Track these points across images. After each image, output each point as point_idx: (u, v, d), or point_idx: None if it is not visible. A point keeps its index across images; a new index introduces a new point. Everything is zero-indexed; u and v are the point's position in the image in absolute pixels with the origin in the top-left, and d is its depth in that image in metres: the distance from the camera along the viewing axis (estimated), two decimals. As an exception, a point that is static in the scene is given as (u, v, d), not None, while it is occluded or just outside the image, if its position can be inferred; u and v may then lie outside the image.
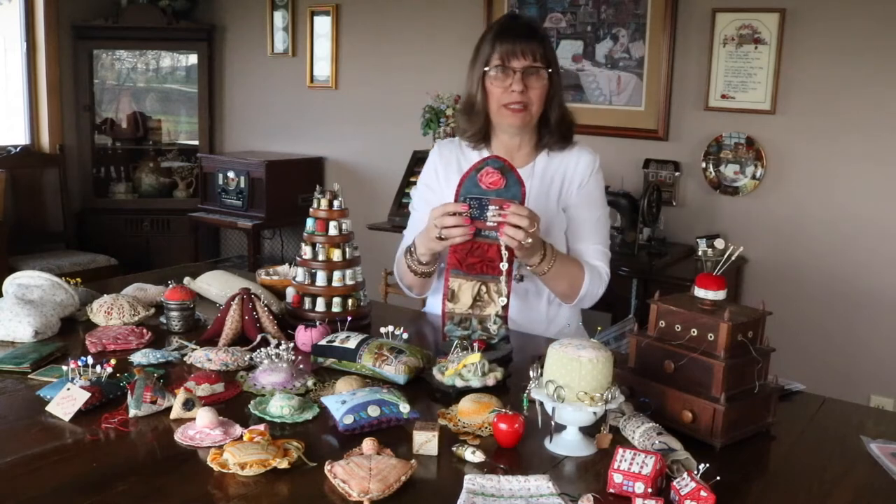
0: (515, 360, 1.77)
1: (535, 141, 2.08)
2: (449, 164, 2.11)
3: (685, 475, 1.18)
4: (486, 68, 1.96)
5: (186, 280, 2.16)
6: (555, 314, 2.10)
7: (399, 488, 1.20)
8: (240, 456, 1.24)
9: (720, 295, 1.46)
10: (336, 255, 1.95)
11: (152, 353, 1.73)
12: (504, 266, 1.77)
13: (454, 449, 1.33)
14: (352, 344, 1.69)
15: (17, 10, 4.94)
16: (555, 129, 2.04)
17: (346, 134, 4.90)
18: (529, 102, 1.95)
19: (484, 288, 1.81)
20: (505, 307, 1.80)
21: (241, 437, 1.33)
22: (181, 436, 1.37)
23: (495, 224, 1.76)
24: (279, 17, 5.01)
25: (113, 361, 1.57)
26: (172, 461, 1.30)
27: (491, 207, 1.76)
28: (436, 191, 2.12)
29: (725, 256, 1.48)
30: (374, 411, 1.40)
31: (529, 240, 1.74)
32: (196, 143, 5.39)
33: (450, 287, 1.83)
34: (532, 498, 1.18)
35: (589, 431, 1.39)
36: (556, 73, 2.00)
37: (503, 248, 1.77)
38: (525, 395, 1.44)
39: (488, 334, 1.77)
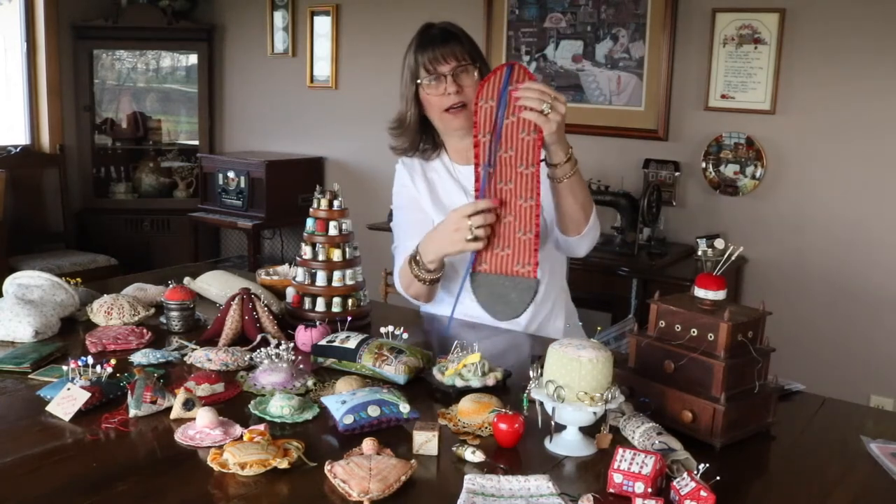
0: (515, 361, 1.77)
1: None
2: (414, 170, 2.13)
3: (685, 475, 1.18)
4: (419, 81, 1.98)
5: (186, 280, 2.16)
6: (552, 302, 2.10)
7: (399, 488, 1.20)
8: (240, 456, 1.24)
9: (720, 295, 1.46)
10: (336, 255, 1.95)
11: (152, 353, 1.73)
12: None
13: (454, 449, 1.33)
14: (352, 344, 1.69)
15: (17, 10, 4.94)
16: None
17: (346, 134, 4.90)
18: (467, 100, 1.95)
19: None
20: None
21: (241, 437, 1.33)
22: (181, 436, 1.37)
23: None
24: (279, 17, 5.01)
25: (113, 361, 1.57)
26: (172, 461, 1.30)
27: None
28: (412, 190, 2.12)
29: (725, 256, 1.48)
30: (374, 411, 1.40)
31: (545, 106, 1.64)
32: (196, 143, 5.39)
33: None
34: (532, 498, 1.18)
35: (589, 431, 1.39)
36: (484, 66, 2.01)
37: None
38: (525, 395, 1.45)
39: None
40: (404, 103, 2.05)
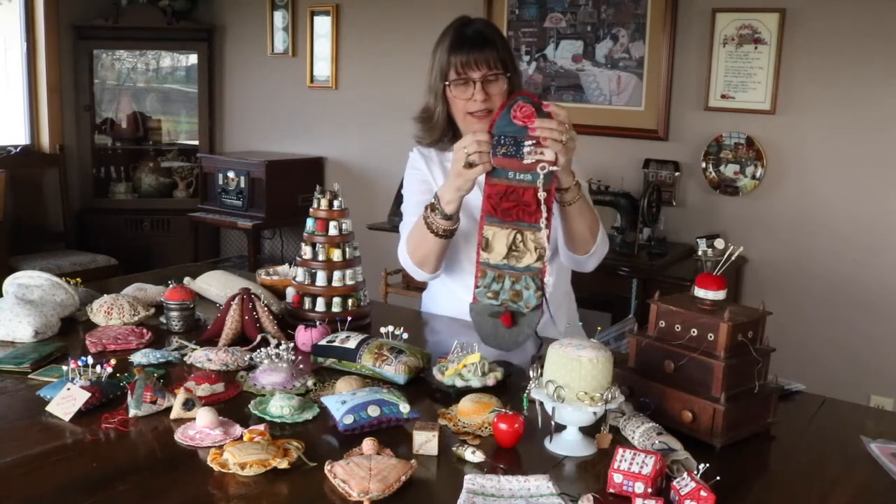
0: (515, 361, 1.76)
1: None
2: (430, 159, 2.11)
3: (685, 475, 1.18)
4: (446, 82, 1.96)
5: (186, 280, 2.16)
6: (554, 310, 2.09)
7: (399, 488, 1.20)
8: (240, 456, 1.24)
9: (720, 295, 1.46)
10: (336, 255, 1.95)
11: (152, 353, 1.73)
12: (544, 209, 1.68)
13: (454, 449, 1.33)
14: (352, 344, 1.69)
15: (17, 10, 4.94)
16: None
17: (346, 134, 4.90)
18: (493, 107, 1.93)
19: (520, 236, 1.72)
20: (542, 260, 1.71)
21: (241, 437, 1.33)
22: (181, 436, 1.37)
23: (533, 161, 1.66)
24: (279, 17, 5.01)
25: (113, 361, 1.57)
26: (172, 461, 1.30)
27: (526, 143, 1.66)
28: (425, 172, 2.11)
29: (725, 256, 1.48)
30: (374, 411, 1.40)
31: (564, 137, 1.66)
32: (196, 143, 5.39)
33: (484, 236, 1.74)
34: (532, 498, 1.18)
35: (589, 431, 1.39)
36: (514, 72, 1.98)
37: (541, 191, 1.68)
38: (525, 395, 1.45)
39: (517, 305, 1.73)
40: (432, 98, 2.02)
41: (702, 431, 1.39)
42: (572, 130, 1.70)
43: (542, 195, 1.68)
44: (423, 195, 2.05)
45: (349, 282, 1.96)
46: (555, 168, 1.67)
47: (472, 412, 1.45)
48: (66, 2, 5.01)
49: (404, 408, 1.42)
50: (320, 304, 1.95)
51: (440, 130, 2.05)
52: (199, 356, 1.71)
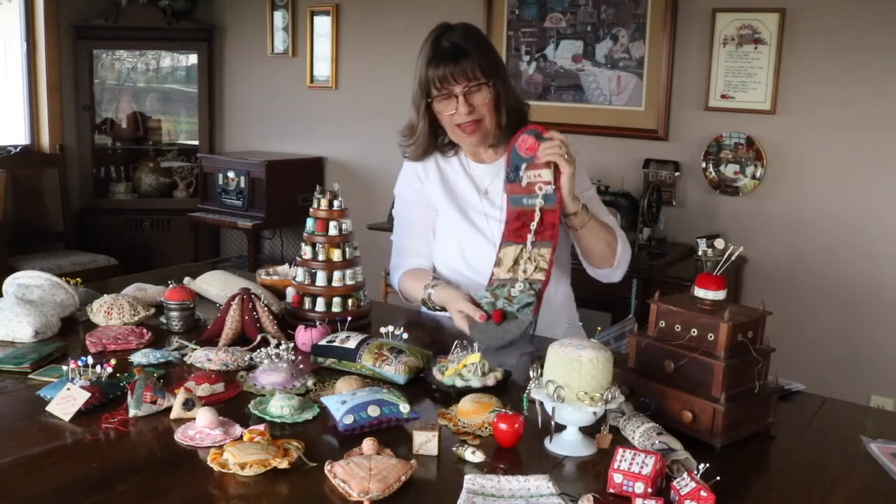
0: (515, 361, 1.76)
1: (499, 137, 2.06)
2: (427, 166, 2.12)
3: (685, 475, 1.18)
4: (428, 98, 1.95)
5: (186, 280, 2.16)
6: (555, 314, 2.10)
7: (399, 488, 1.20)
8: (240, 456, 1.24)
9: (720, 295, 1.46)
10: (336, 255, 1.95)
11: (152, 353, 1.73)
12: (534, 225, 1.83)
13: (454, 449, 1.33)
14: (352, 344, 1.69)
15: (17, 10, 4.94)
16: (506, 128, 2.00)
17: (346, 134, 4.90)
18: (480, 117, 1.94)
19: (525, 252, 1.83)
20: (546, 272, 1.80)
21: (241, 437, 1.33)
22: (181, 436, 1.37)
23: (528, 183, 1.84)
24: (279, 17, 5.01)
25: (113, 361, 1.57)
26: (172, 461, 1.30)
27: (523, 167, 1.85)
28: (419, 190, 2.14)
29: (725, 256, 1.48)
30: (374, 411, 1.40)
31: (563, 151, 1.79)
32: (196, 143, 5.39)
33: (498, 256, 1.88)
34: (532, 498, 1.18)
35: (589, 431, 1.39)
36: (498, 78, 1.94)
37: (537, 210, 1.83)
38: (525, 395, 1.45)
39: (510, 308, 1.78)
40: (415, 113, 2.01)
41: (702, 431, 1.39)
42: (569, 149, 1.81)
43: (537, 214, 1.82)
44: (414, 212, 2.13)
45: (349, 282, 1.96)
46: (551, 188, 1.82)
47: (472, 412, 1.45)
48: (66, 2, 5.01)
49: (404, 408, 1.42)
50: (320, 304, 1.95)
51: (423, 147, 2.06)
52: (199, 356, 1.71)
